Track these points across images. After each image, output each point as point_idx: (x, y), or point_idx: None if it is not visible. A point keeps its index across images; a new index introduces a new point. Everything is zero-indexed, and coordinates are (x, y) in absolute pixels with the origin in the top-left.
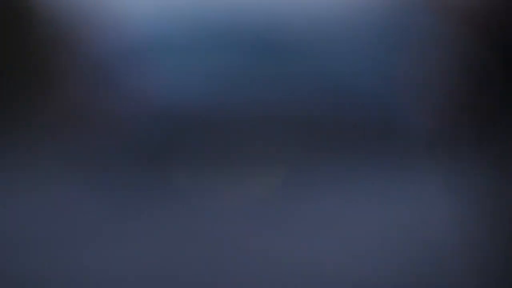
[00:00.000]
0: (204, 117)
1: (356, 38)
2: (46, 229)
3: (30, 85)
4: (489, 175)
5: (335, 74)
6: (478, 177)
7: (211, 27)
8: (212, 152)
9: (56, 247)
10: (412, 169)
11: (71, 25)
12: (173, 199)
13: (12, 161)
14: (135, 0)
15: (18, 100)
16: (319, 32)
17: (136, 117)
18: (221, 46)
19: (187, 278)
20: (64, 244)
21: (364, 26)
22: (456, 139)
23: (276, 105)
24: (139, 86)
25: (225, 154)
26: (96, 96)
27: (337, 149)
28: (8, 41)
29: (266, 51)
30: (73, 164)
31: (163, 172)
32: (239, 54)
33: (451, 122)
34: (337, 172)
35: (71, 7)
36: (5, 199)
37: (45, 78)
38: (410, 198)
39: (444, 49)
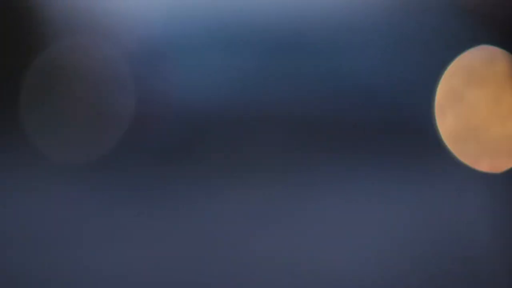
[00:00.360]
0: (219, 117)
1: (370, 37)
2: (58, 230)
3: (47, 87)
4: (502, 177)
5: (352, 74)
6: (491, 178)
7: (226, 27)
8: (226, 151)
9: (67, 248)
10: (424, 169)
11: (83, 24)
12: (181, 199)
13: (24, 160)
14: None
15: (36, 101)
16: (335, 32)
17: (151, 118)
18: (236, 46)
19: (195, 278)
20: (77, 244)
21: (377, 25)
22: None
23: (291, 105)
24: (151, 87)
25: (239, 154)
26: (110, 97)
27: (353, 149)
28: (22, 41)
29: (282, 50)
30: (89, 165)
31: (173, 173)
32: (254, 54)
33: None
34: (350, 172)
35: (87, 7)
36: (24, 198)
37: (60, 80)
38: (421, 198)
39: (460, 48)
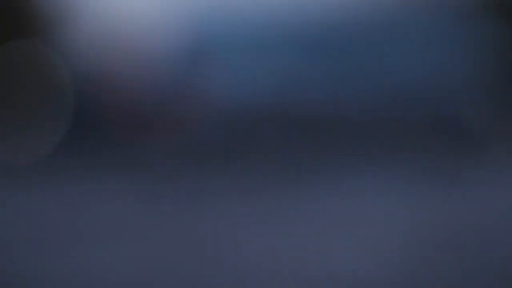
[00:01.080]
0: (265, 116)
1: (405, 37)
2: (56, 229)
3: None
4: None
5: (393, 73)
6: None
7: (267, 28)
8: (273, 150)
9: (66, 248)
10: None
11: (132, 24)
12: (181, 199)
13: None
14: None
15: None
16: (379, 31)
17: (197, 117)
18: (280, 45)
19: (195, 278)
20: (75, 244)
21: (411, 25)
22: (495, 136)
23: (336, 104)
24: (195, 86)
25: (285, 153)
26: (157, 97)
27: (394, 148)
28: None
29: (330, 49)
30: (134, 166)
31: (173, 173)
32: (292, 55)
33: (490, 120)
34: (393, 171)
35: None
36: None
37: (105, 78)
38: (426, 198)
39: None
